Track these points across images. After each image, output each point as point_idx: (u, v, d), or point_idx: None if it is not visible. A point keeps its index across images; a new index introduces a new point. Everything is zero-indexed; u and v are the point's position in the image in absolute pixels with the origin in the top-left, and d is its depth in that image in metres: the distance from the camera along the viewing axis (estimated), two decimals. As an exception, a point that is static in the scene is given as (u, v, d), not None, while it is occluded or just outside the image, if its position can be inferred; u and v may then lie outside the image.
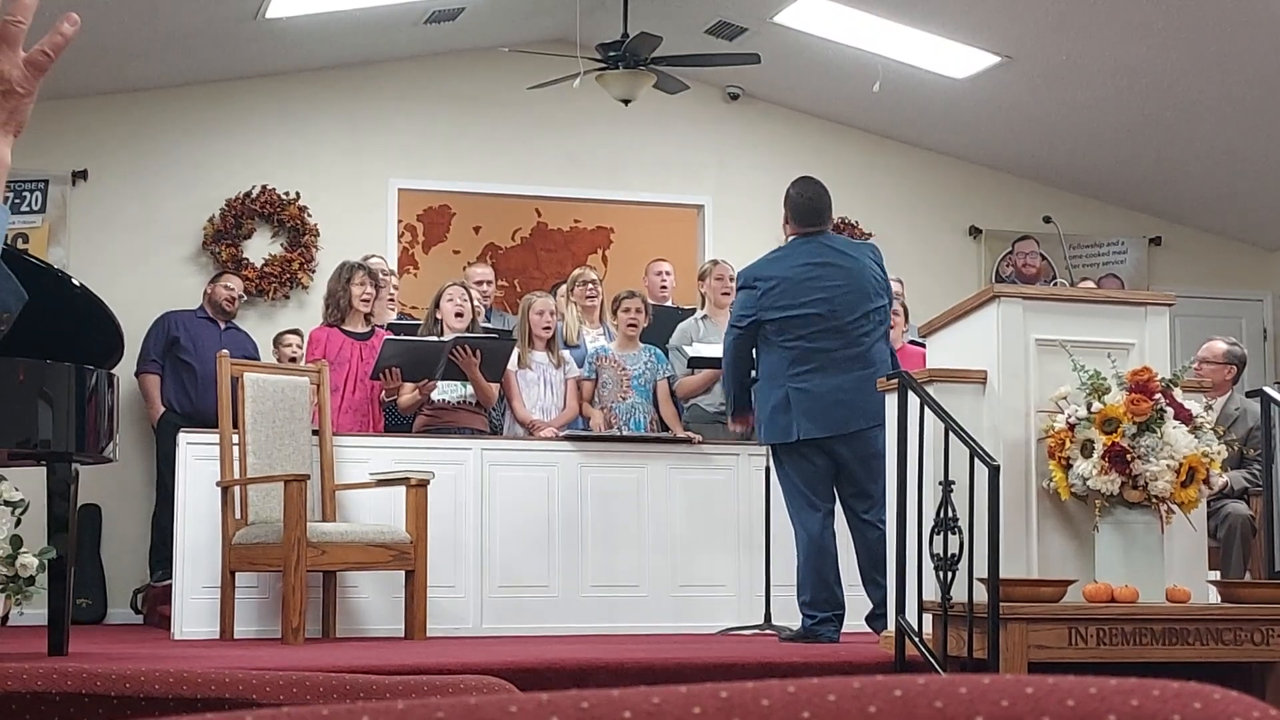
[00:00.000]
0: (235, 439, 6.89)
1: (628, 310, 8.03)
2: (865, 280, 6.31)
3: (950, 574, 4.86)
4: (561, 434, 7.65)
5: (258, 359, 8.81)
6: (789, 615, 6.80)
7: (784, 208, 6.53)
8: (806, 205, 6.45)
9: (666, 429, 7.95)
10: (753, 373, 6.46)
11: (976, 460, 4.83)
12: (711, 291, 8.46)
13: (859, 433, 6.17)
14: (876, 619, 6.20)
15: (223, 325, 9.32)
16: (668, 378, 8.10)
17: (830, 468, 6.30)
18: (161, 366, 9.19)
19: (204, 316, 9.34)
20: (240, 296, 9.51)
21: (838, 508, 6.39)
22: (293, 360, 8.81)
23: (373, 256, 8.83)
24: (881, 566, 6.06)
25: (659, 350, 8.14)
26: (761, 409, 6.37)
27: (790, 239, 6.49)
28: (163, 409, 9.11)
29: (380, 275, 8.23)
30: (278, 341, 9.30)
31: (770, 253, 6.61)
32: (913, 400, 5.24)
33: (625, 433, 7.76)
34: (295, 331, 9.26)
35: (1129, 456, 4.92)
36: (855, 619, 6.42)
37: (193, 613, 6.94)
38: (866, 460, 6.19)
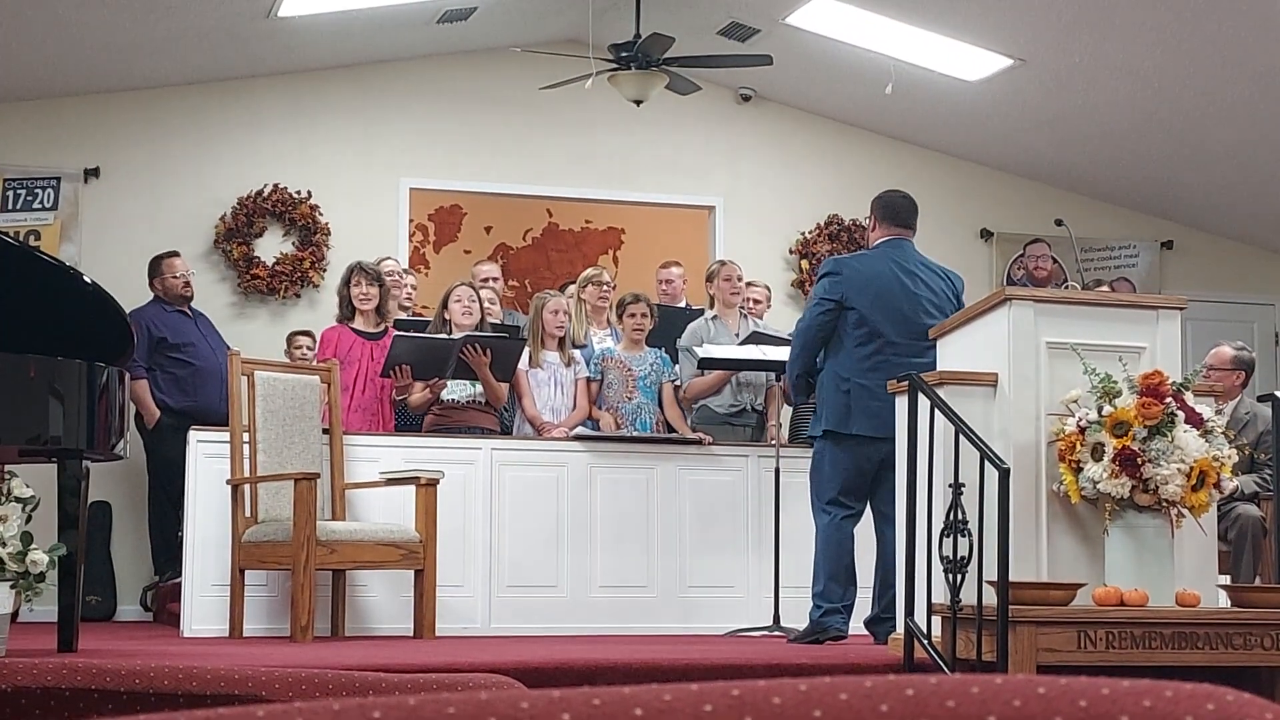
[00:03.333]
0: (245, 437, 6.90)
1: (633, 315, 8.02)
2: (944, 299, 6.36)
3: (960, 576, 4.85)
4: (571, 434, 7.65)
5: (225, 342, 8.73)
6: (798, 616, 6.80)
7: (871, 214, 6.55)
8: (897, 202, 6.51)
9: (673, 431, 7.95)
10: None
11: (987, 463, 4.82)
12: (720, 292, 8.46)
13: None
14: (880, 623, 6.21)
15: (190, 313, 9.02)
16: (673, 381, 8.10)
17: (871, 473, 6.27)
18: (147, 368, 8.74)
19: (172, 310, 8.94)
20: (191, 273, 9.09)
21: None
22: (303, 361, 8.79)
23: (387, 259, 8.84)
24: (894, 567, 6.08)
25: (664, 353, 8.14)
26: (826, 396, 6.34)
27: (878, 243, 6.48)
28: (158, 412, 8.73)
29: (386, 275, 8.26)
30: (290, 341, 9.26)
31: (861, 251, 6.61)
32: (923, 402, 5.23)
33: (633, 433, 7.76)
34: (307, 333, 9.23)
35: (1139, 460, 4.91)
36: (855, 621, 6.43)
37: (202, 610, 6.95)
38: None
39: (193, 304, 9.14)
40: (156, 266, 9.02)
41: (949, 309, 6.34)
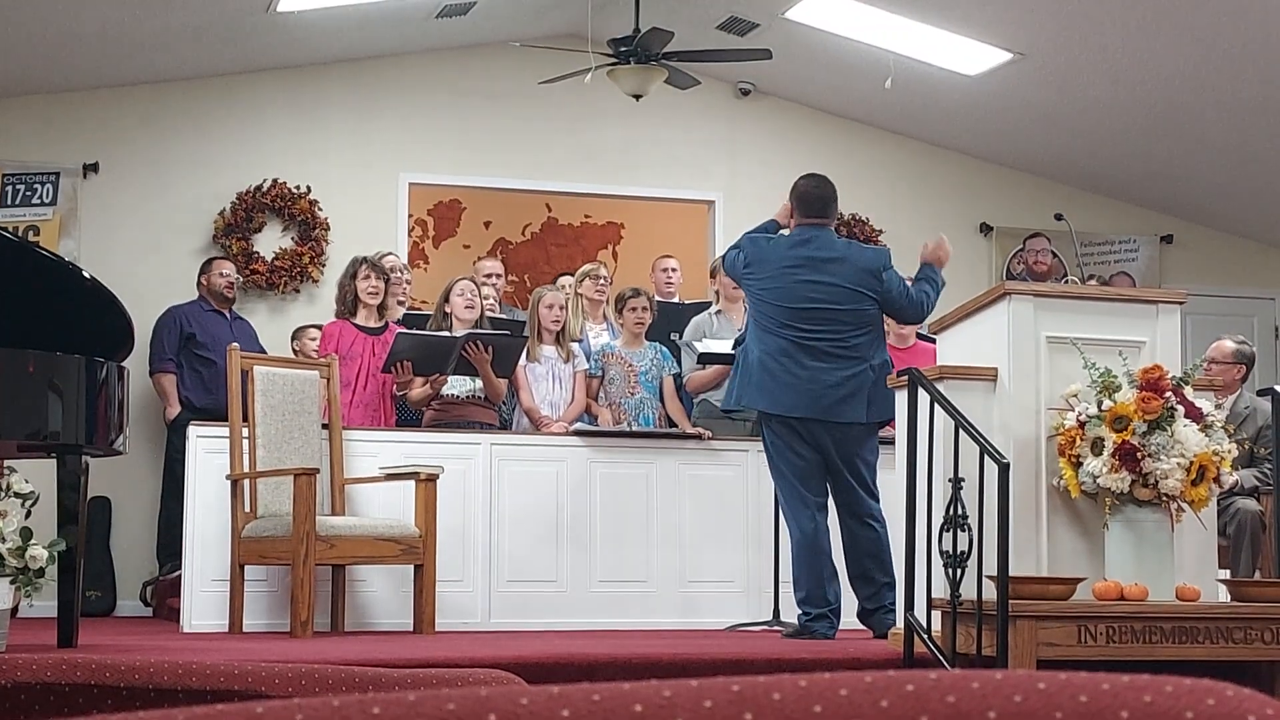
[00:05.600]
0: (245, 432, 6.90)
1: (634, 309, 8.01)
2: (851, 282, 6.32)
3: (959, 571, 4.86)
4: (571, 429, 7.65)
5: (263, 349, 8.80)
6: (796, 612, 6.81)
7: (790, 201, 6.55)
8: (810, 192, 6.51)
9: (674, 425, 7.95)
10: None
11: (986, 457, 4.82)
12: (724, 287, 8.46)
13: (841, 426, 6.22)
14: (870, 614, 6.27)
15: (228, 315, 9.25)
16: (674, 374, 8.10)
17: (818, 462, 6.32)
18: (177, 364, 9.04)
19: (210, 309, 9.21)
20: (236, 280, 9.37)
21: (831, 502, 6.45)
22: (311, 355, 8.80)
23: (388, 254, 8.84)
24: (868, 563, 6.16)
25: (664, 347, 8.14)
26: (731, 372, 6.50)
27: (794, 230, 6.50)
28: (180, 407, 8.92)
29: (389, 270, 8.25)
30: (297, 335, 9.27)
31: (774, 234, 6.63)
32: (923, 397, 5.23)
33: (634, 428, 7.76)
34: (316, 326, 9.25)
35: (1139, 454, 4.91)
36: (846, 616, 6.45)
37: (201, 606, 6.95)
38: (851, 457, 6.26)
39: (235, 308, 9.37)
40: (207, 265, 9.35)
41: (853, 290, 6.30)
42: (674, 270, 9.44)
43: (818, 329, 6.25)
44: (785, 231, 6.59)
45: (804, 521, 6.32)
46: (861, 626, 6.40)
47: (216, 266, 9.30)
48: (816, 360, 6.24)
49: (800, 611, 6.39)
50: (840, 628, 6.42)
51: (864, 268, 6.38)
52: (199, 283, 9.30)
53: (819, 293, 6.28)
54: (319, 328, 9.16)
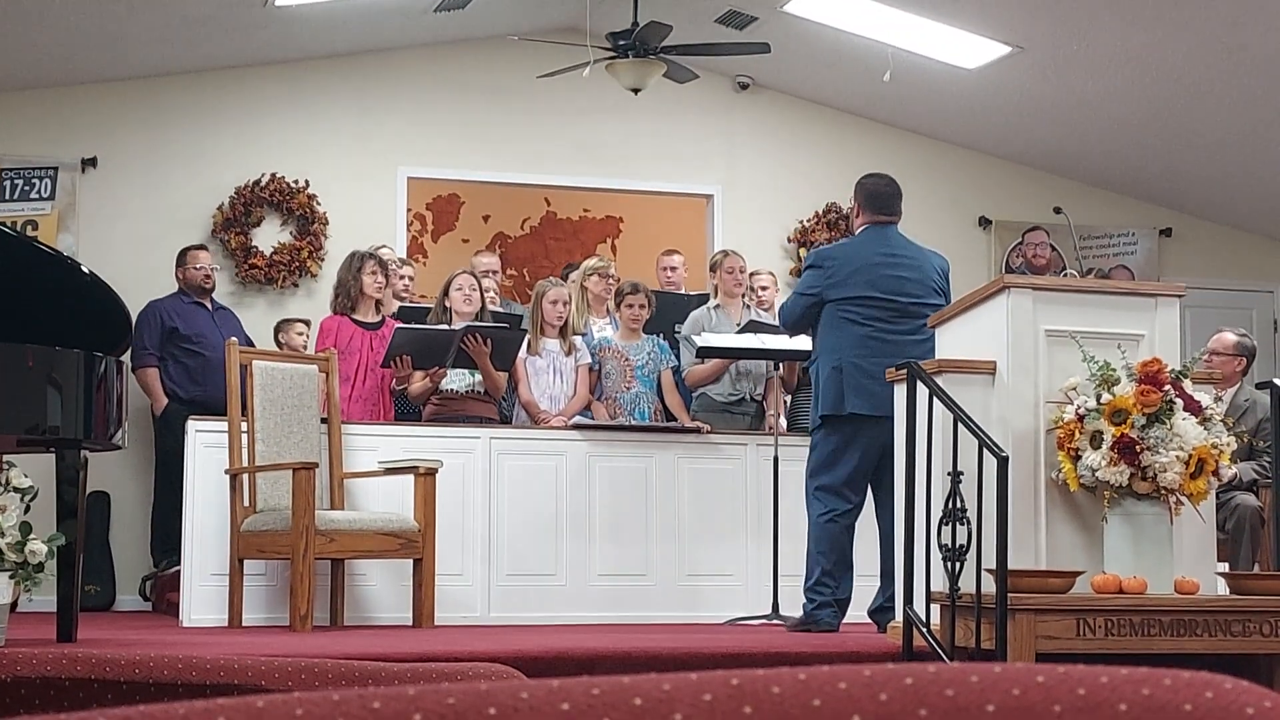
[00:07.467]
0: (244, 427, 6.90)
1: (631, 304, 8.02)
2: (928, 277, 6.42)
3: (958, 565, 4.85)
4: (570, 423, 7.65)
5: (249, 337, 8.75)
6: (796, 605, 6.81)
7: (855, 199, 6.58)
8: (879, 189, 6.55)
9: (672, 418, 7.95)
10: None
11: (985, 451, 4.82)
12: (723, 283, 8.47)
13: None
14: (883, 612, 6.23)
15: (210, 307, 9.13)
16: (672, 367, 8.11)
17: (873, 460, 6.29)
18: (159, 357, 8.93)
19: (190, 301, 9.06)
20: (214, 268, 9.24)
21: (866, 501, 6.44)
22: (299, 349, 8.79)
23: (383, 247, 8.83)
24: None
25: (661, 340, 8.15)
26: (820, 382, 6.42)
27: (861, 229, 6.51)
28: (166, 400, 8.86)
29: (390, 265, 8.25)
30: (284, 329, 9.22)
31: (843, 240, 6.69)
32: (922, 390, 5.23)
33: (632, 422, 7.76)
34: (303, 320, 9.23)
35: (1138, 448, 4.91)
36: (858, 610, 6.44)
37: (201, 600, 6.96)
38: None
39: (215, 298, 9.25)
40: (182, 256, 9.19)
41: (932, 286, 6.41)
42: (676, 268, 9.47)
43: (896, 324, 6.27)
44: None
45: (836, 508, 6.32)
46: (868, 621, 6.39)
47: (192, 258, 9.13)
48: (895, 356, 6.24)
49: (805, 600, 6.37)
50: (847, 621, 6.41)
51: (937, 267, 6.49)
52: (176, 275, 9.15)
53: (905, 286, 6.34)
54: (305, 321, 9.15)
